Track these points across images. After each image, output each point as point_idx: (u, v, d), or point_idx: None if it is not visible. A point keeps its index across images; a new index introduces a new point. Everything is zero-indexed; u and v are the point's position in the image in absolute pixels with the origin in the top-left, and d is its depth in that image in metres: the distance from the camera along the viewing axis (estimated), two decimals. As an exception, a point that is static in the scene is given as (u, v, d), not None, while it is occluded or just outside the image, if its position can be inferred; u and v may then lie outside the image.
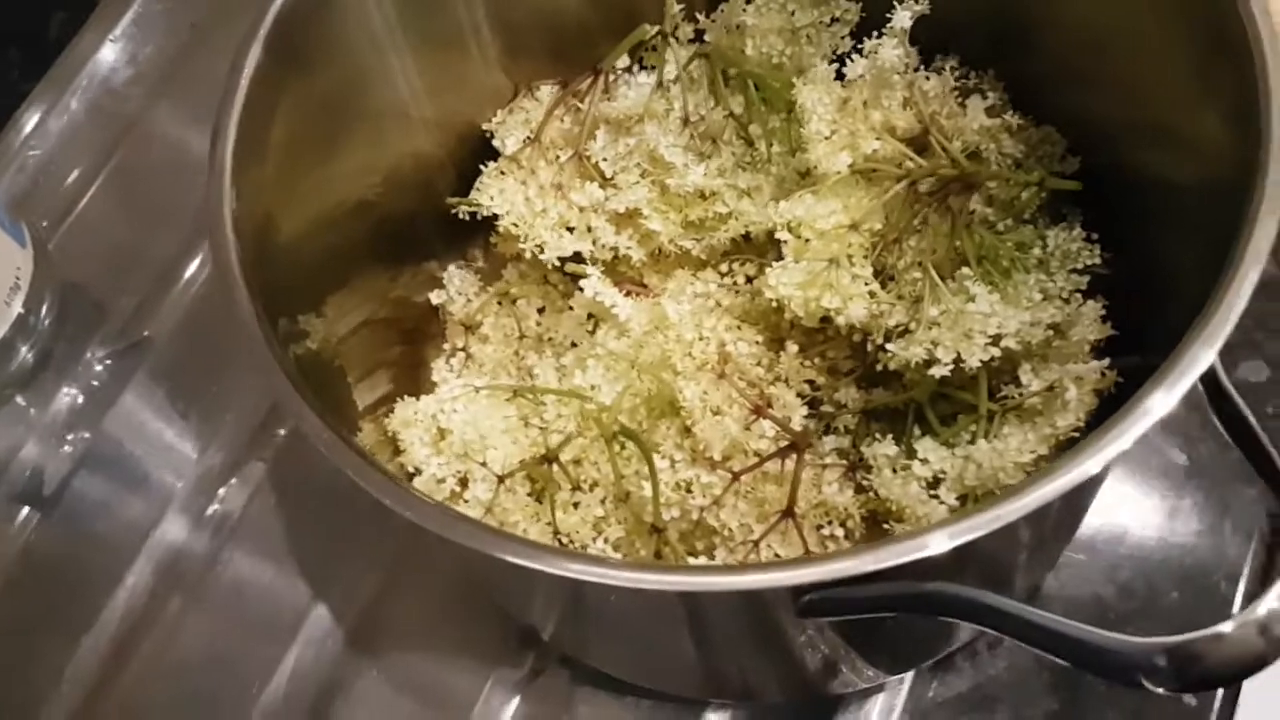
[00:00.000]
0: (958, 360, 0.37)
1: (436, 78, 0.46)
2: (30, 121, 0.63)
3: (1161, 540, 0.45)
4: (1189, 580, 0.44)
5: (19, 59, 0.69)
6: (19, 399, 0.56)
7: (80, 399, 0.56)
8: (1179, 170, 0.41)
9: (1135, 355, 0.40)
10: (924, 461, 0.38)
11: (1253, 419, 0.30)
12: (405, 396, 0.45)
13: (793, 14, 0.47)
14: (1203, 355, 0.29)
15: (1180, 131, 0.40)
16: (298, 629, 0.49)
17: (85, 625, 0.50)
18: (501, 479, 0.41)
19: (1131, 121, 0.43)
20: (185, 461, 0.54)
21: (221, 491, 0.53)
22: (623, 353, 0.43)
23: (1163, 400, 0.28)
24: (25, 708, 0.49)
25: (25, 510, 0.54)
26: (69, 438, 0.55)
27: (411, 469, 0.44)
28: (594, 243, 0.46)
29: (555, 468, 0.41)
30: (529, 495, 0.42)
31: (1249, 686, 0.43)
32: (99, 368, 0.57)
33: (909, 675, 0.44)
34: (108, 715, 0.48)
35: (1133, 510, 0.46)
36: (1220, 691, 0.43)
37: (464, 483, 0.43)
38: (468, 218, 0.48)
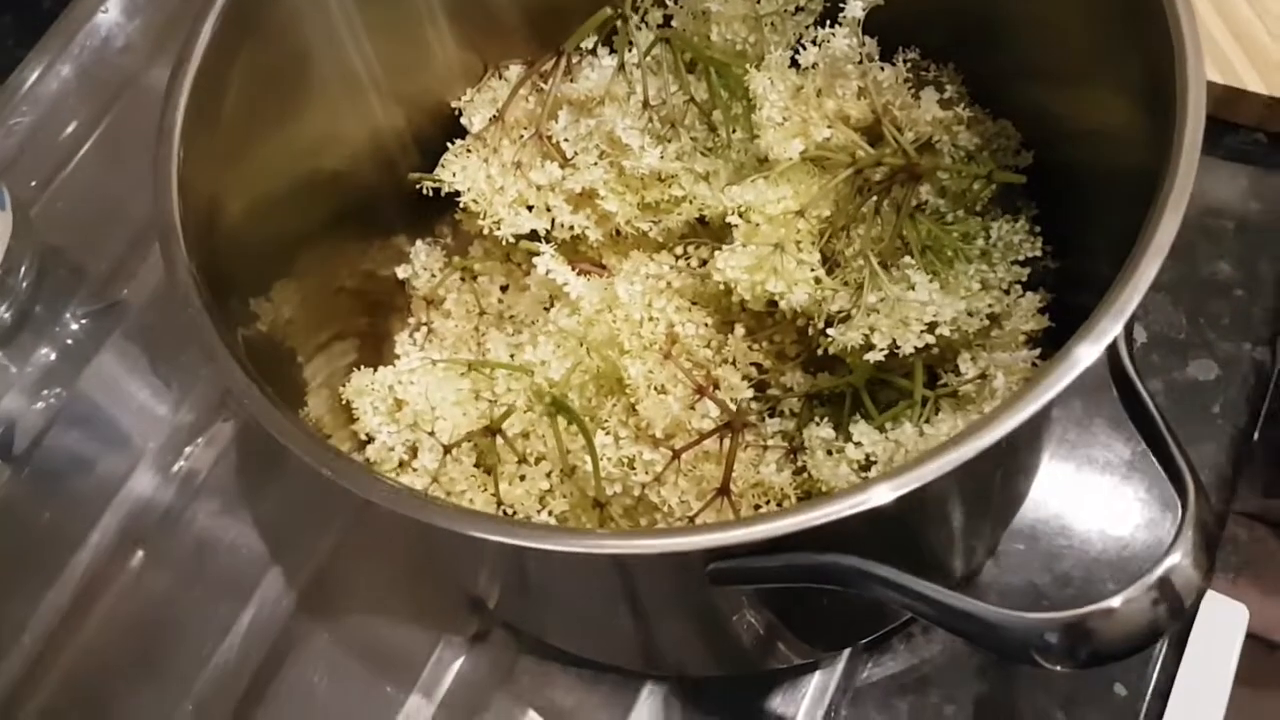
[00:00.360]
0: (894, 346, 0.38)
1: (395, 57, 0.47)
2: (23, 86, 0.65)
3: (1101, 532, 0.46)
4: (1125, 571, 0.45)
5: (13, 25, 0.70)
6: (5, 354, 0.57)
7: (54, 357, 0.57)
8: (1114, 165, 0.41)
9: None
10: (857, 444, 0.38)
11: (1152, 407, 0.31)
12: (365, 367, 0.46)
13: (758, 1, 0.47)
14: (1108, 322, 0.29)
15: (1113, 126, 0.41)
16: (253, 589, 0.50)
17: (50, 579, 0.51)
18: (448, 449, 0.42)
19: (1078, 116, 0.44)
20: (157, 420, 0.55)
21: (189, 450, 0.54)
22: (573, 330, 0.43)
23: (1088, 351, 0.28)
24: None
25: None
26: (44, 393, 0.57)
27: (364, 436, 0.45)
28: (552, 222, 0.47)
29: (500, 440, 0.42)
30: (475, 467, 0.43)
31: (1181, 679, 0.44)
32: (75, 327, 0.58)
33: (844, 655, 0.45)
34: (65, 668, 0.49)
35: (1074, 502, 0.47)
36: (1153, 679, 0.44)
37: (414, 451, 0.44)
38: (431, 194, 0.49)
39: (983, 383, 0.38)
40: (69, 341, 0.58)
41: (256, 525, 0.51)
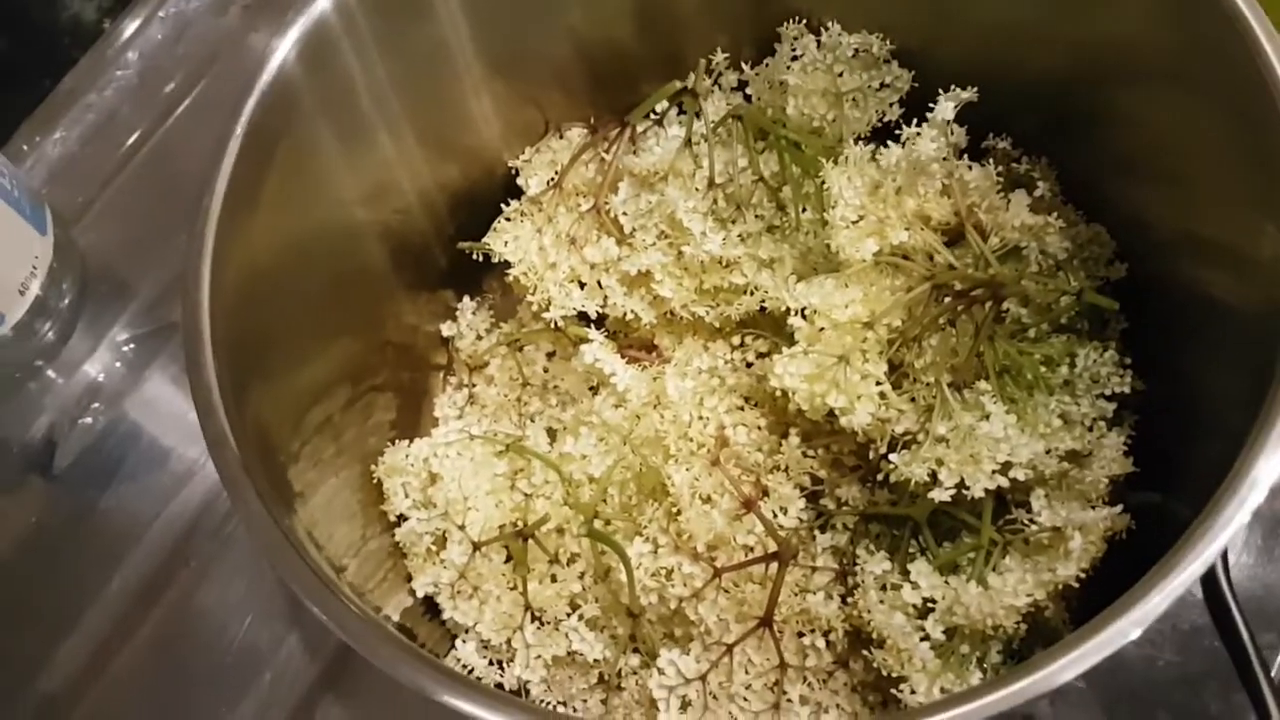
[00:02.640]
0: (961, 485, 0.35)
1: (430, 112, 0.45)
2: (71, 98, 0.63)
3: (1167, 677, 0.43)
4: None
5: (70, 26, 0.68)
6: (50, 372, 0.57)
7: (101, 377, 0.56)
8: (1232, 291, 0.38)
9: (1156, 492, 0.37)
10: (915, 586, 0.36)
11: (1242, 624, 0.27)
12: (398, 440, 0.44)
13: (839, 75, 0.44)
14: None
15: (1237, 249, 0.37)
16: (277, 649, 0.48)
17: (91, 598, 0.51)
18: (477, 546, 0.40)
19: (1185, 231, 0.40)
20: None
21: None
22: (617, 425, 0.41)
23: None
24: (23, 673, 0.49)
25: (39, 481, 0.54)
26: (91, 407, 0.56)
27: (393, 517, 0.43)
28: (604, 300, 0.44)
29: (530, 544, 0.40)
30: (505, 563, 0.41)
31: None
32: (124, 349, 0.57)
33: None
34: (96, 698, 0.49)
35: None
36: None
37: (443, 540, 0.42)
38: (481, 259, 0.46)
39: (1057, 537, 0.34)
40: (116, 364, 0.57)
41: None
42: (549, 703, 0.40)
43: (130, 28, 0.64)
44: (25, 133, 0.61)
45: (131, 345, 0.57)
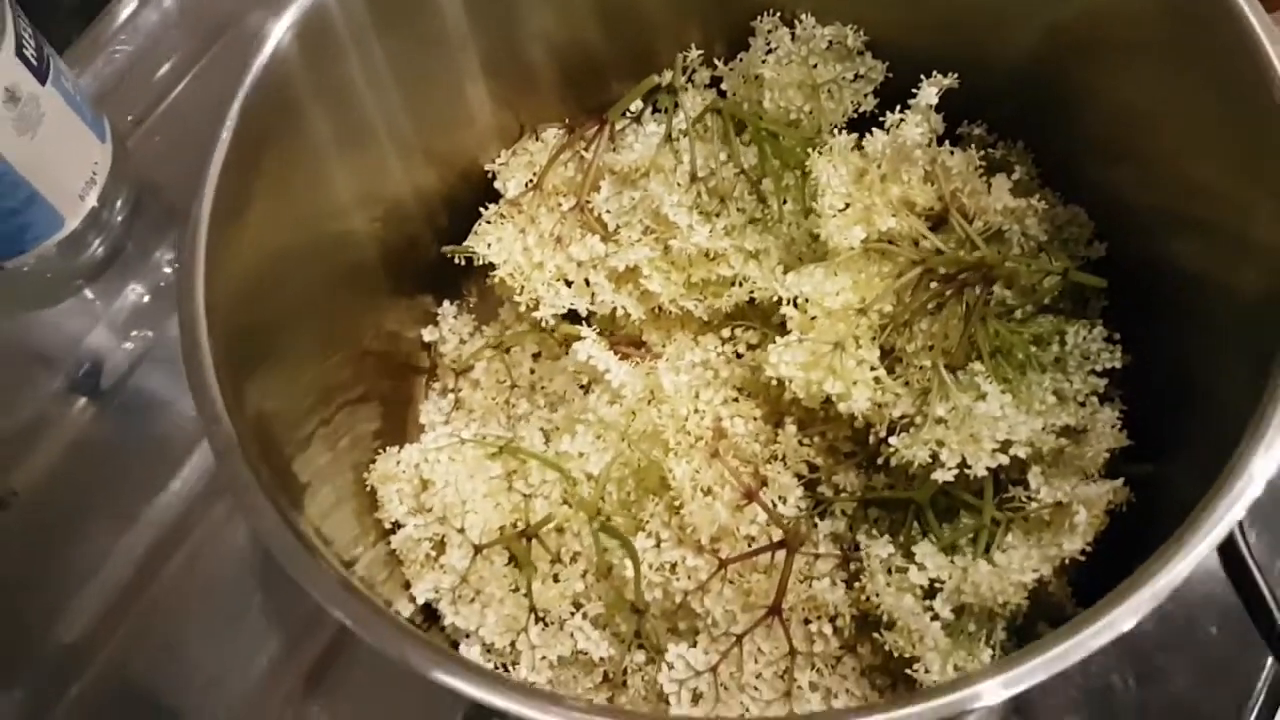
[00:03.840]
0: (962, 464, 0.36)
1: (431, 114, 0.44)
2: (123, 14, 0.62)
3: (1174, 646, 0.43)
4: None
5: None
6: (87, 291, 0.56)
7: (146, 298, 0.56)
8: (1221, 268, 0.38)
9: (1148, 464, 0.38)
10: (920, 567, 0.36)
11: (1259, 574, 0.28)
12: (388, 447, 0.43)
13: (814, 68, 0.45)
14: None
15: (1225, 226, 0.38)
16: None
17: (131, 519, 0.50)
18: (479, 549, 0.40)
19: (1169, 209, 0.41)
20: None
21: None
22: (613, 421, 0.41)
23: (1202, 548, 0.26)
24: (64, 590, 0.49)
25: (82, 401, 0.54)
26: (132, 334, 0.55)
27: (389, 525, 0.42)
28: (592, 299, 0.44)
29: (534, 544, 0.40)
30: (506, 565, 0.41)
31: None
32: (167, 269, 0.56)
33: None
34: (137, 614, 0.49)
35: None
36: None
37: (441, 544, 0.41)
38: (463, 262, 0.46)
39: (1057, 512, 0.35)
40: (160, 283, 0.56)
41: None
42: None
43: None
44: (83, 45, 0.61)
45: (178, 266, 0.56)
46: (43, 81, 0.46)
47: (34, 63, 0.46)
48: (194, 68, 0.61)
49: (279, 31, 0.36)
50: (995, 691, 0.25)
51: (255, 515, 0.30)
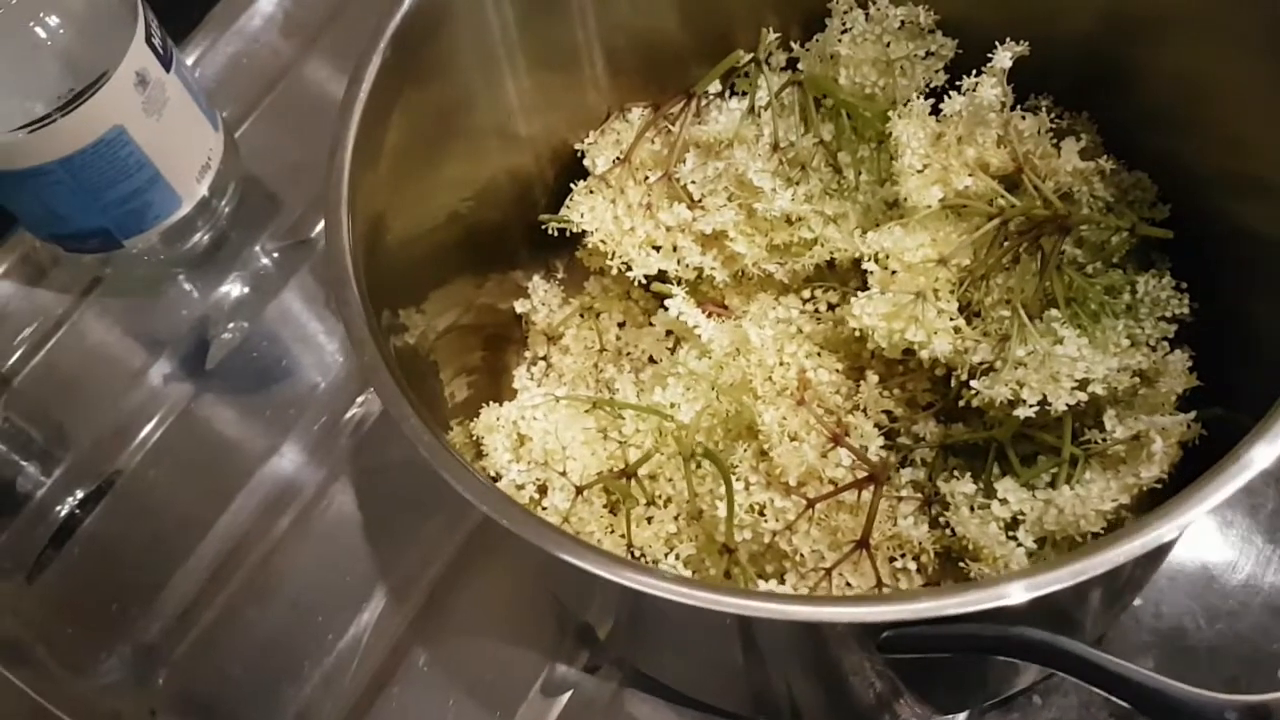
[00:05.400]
0: (1043, 403, 0.38)
1: (543, 96, 0.47)
2: (223, 22, 0.66)
3: (1247, 585, 0.45)
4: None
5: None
6: (185, 283, 0.59)
7: (246, 289, 0.59)
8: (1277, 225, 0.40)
9: (1217, 407, 0.40)
10: (1003, 502, 0.38)
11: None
12: (489, 402, 0.46)
13: (888, 46, 0.47)
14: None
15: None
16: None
17: (226, 500, 0.53)
18: (580, 490, 0.42)
19: (1228, 170, 0.43)
20: (331, 365, 0.57)
21: (361, 398, 0.56)
22: (703, 373, 0.43)
23: (1263, 453, 0.28)
24: (172, 559, 0.52)
25: (184, 386, 0.57)
26: (229, 325, 0.58)
27: (494, 473, 0.45)
28: (679, 262, 0.47)
29: (633, 483, 0.42)
30: (604, 507, 0.43)
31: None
32: (266, 260, 0.60)
33: (961, 716, 0.44)
34: (242, 582, 0.52)
35: (1218, 551, 0.45)
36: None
37: (543, 490, 0.44)
38: (556, 233, 0.49)
39: (1137, 444, 0.37)
40: (260, 274, 0.59)
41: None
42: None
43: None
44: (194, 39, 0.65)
45: (275, 256, 0.60)
46: (167, 69, 0.50)
47: (160, 50, 0.49)
48: (295, 67, 0.64)
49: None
50: (1019, 592, 0.27)
51: (403, 419, 0.32)
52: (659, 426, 0.43)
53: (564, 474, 0.42)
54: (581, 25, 0.46)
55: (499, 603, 0.50)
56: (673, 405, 0.43)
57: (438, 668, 0.49)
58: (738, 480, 0.42)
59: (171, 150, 0.52)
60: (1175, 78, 0.44)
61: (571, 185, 0.50)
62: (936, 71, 0.47)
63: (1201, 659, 0.43)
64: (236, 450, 0.55)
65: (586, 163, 0.51)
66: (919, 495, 0.42)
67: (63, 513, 0.55)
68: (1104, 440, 0.38)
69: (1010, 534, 0.38)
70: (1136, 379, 0.39)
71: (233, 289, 0.59)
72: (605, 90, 0.51)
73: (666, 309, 0.44)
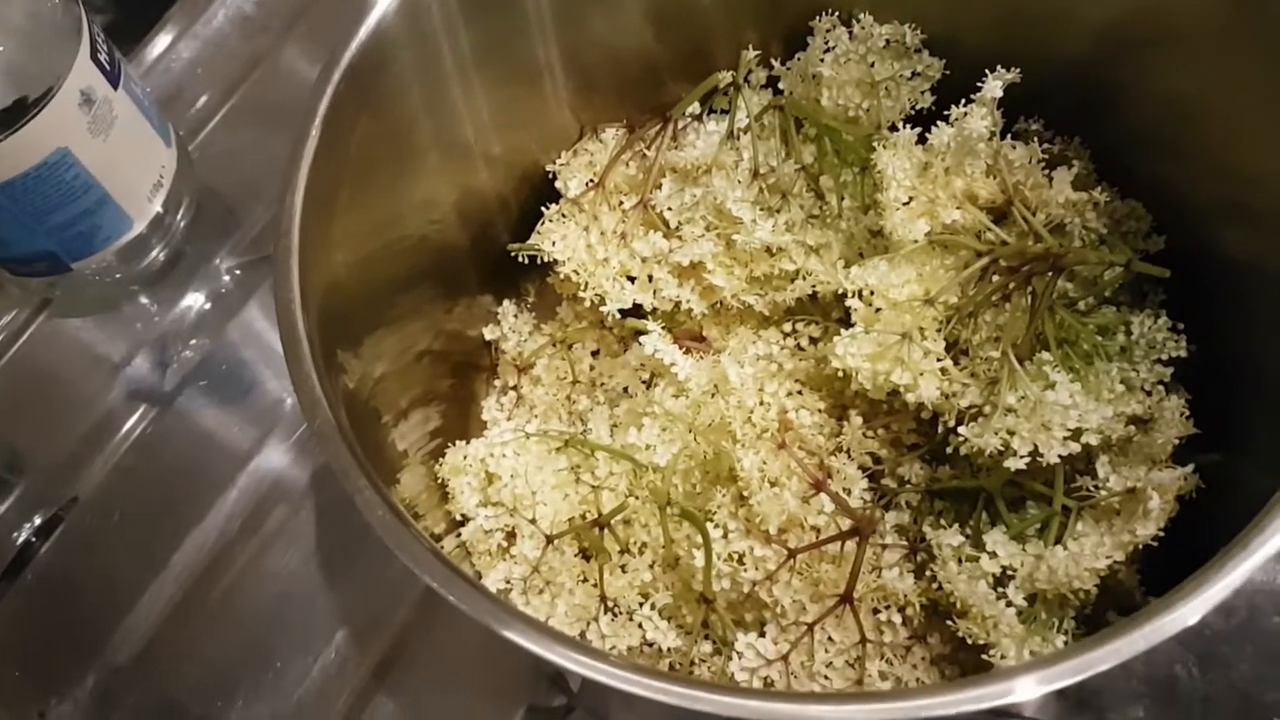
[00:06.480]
0: (1034, 453, 0.36)
1: (508, 115, 0.45)
2: (180, 24, 0.63)
3: (1240, 632, 0.44)
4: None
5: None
6: (143, 299, 0.57)
7: (207, 305, 0.57)
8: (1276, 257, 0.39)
9: (1215, 453, 0.38)
10: (992, 555, 0.36)
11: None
12: (455, 441, 0.44)
13: (872, 66, 0.45)
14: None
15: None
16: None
17: (194, 522, 0.51)
18: (550, 539, 0.40)
19: (1224, 200, 0.41)
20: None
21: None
22: (680, 413, 0.41)
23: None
24: (130, 591, 0.50)
25: (143, 407, 0.55)
26: (191, 342, 0.56)
27: (460, 516, 0.43)
28: (655, 294, 0.45)
29: (606, 533, 0.40)
30: (576, 556, 0.41)
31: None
32: (226, 277, 0.58)
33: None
34: (204, 614, 0.50)
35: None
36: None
37: (511, 535, 0.42)
38: (526, 261, 0.47)
39: (1127, 500, 0.35)
40: (221, 290, 0.57)
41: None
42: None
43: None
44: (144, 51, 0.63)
45: (237, 273, 0.58)
46: (115, 85, 0.47)
47: (107, 66, 0.47)
48: (249, 77, 0.62)
49: (383, 4, 0.37)
50: (1029, 688, 0.25)
51: (351, 482, 0.30)
52: (634, 469, 0.41)
53: (534, 521, 0.41)
54: (542, 42, 0.44)
55: (470, 645, 0.48)
56: (648, 447, 0.41)
57: (406, 699, 0.47)
58: (716, 527, 0.40)
59: (121, 170, 0.49)
60: (1168, 101, 0.42)
61: (543, 208, 0.48)
62: (922, 93, 0.46)
63: (1195, 710, 0.41)
64: (197, 476, 0.53)
65: (558, 184, 0.48)
66: (904, 543, 0.40)
67: (19, 540, 0.53)
68: (1097, 489, 0.37)
69: (999, 590, 0.36)
70: (1131, 427, 0.37)
71: (193, 305, 0.57)
72: (575, 109, 0.49)
73: (642, 345, 0.42)
